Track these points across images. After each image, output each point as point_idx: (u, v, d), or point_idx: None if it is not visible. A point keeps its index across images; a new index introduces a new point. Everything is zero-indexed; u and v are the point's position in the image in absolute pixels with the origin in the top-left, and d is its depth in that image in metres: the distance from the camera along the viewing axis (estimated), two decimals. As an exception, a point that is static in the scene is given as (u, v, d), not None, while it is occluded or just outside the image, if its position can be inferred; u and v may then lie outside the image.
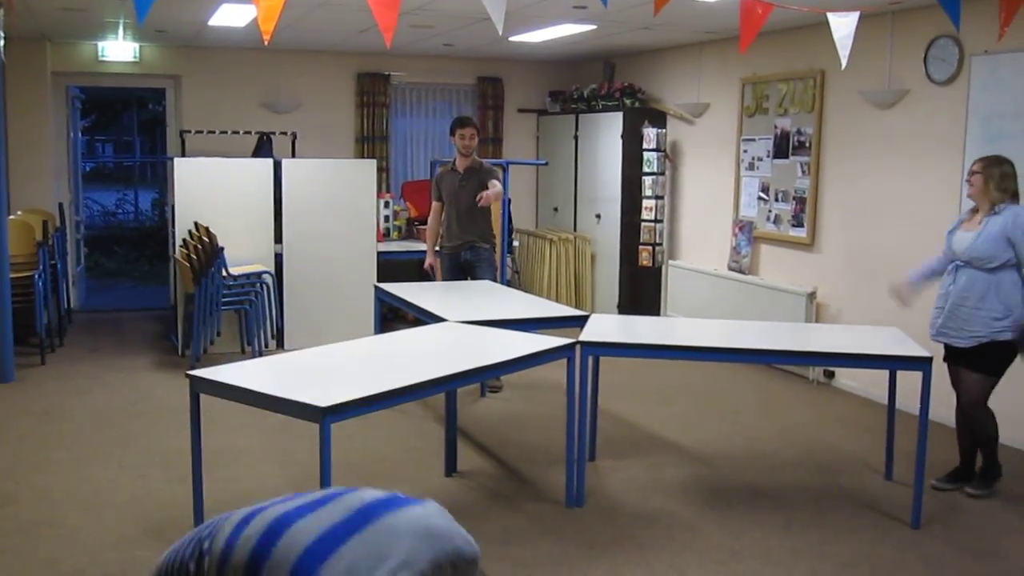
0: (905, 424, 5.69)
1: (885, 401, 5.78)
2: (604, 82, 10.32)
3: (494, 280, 7.21)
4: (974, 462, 5.40)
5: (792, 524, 4.88)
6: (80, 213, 11.24)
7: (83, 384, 7.37)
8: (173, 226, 8.70)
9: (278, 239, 8.69)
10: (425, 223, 10.07)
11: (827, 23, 4.95)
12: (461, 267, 7.44)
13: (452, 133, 7.42)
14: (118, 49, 9.86)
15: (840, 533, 4.78)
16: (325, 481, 3.69)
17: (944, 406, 6.37)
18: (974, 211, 5.26)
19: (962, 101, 6.46)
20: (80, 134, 12.65)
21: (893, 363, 5.20)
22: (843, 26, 4.92)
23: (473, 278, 7.34)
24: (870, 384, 7.21)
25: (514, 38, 8.94)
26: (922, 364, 4.80)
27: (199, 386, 4.11)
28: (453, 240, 7.43)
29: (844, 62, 4.86)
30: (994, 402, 5.54)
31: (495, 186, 7.11)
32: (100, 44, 9.80)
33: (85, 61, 9.88)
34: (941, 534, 4.80)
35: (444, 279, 7.55)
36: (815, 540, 4.69)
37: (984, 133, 6.31)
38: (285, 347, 8.46)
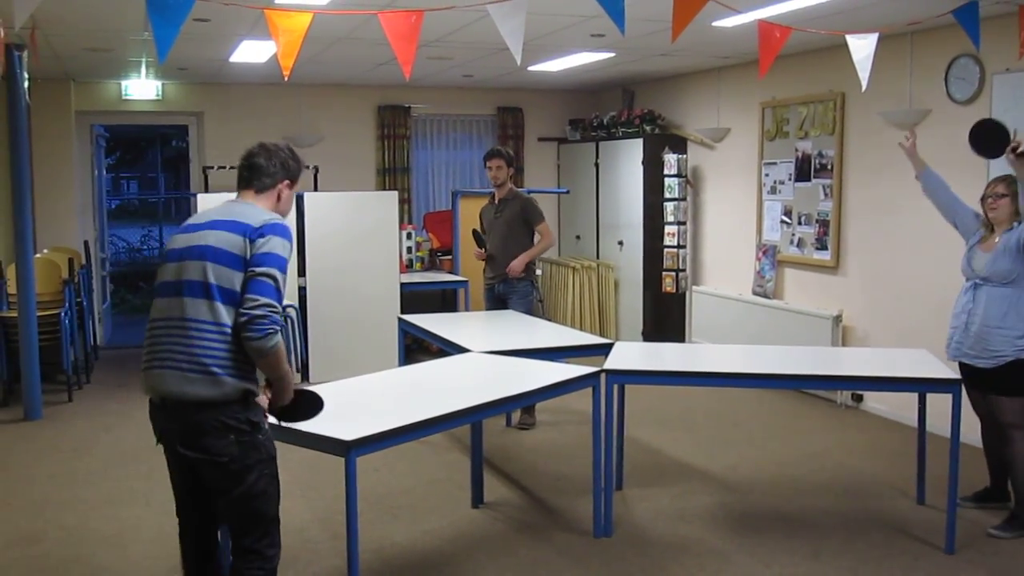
0: (936, 447, 5.62)
1: (915, 424, 5.71)
2: (623, 109, 10.33)
3: (527, 312, 7.19)
4: (1005, 481, 5.30)
5: (822, 551, 4.82)
6: (105, 250, 11.33)
7: (110, 421, 7.40)
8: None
9: (301, 272, 8.72)
10: (448, 254, 10.16)
11: (846, 45, 4.95)
12: (497, 298, 7.46)
13: (485, 166, 7.49)
14: (141, 87, 9.97)
15: (871, 559, 4.72)
16: (351, 515, 3.67)
17: (976, 429, 6.30)
18: (990, 230, 5.17)
19: (985, 120, 6.42)
20: (105, 172, 12.78)
21: (922, 386, 5.15)
22: (862, 48, 4.93)
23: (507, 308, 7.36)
24: (899, 407, 7.14)
25: (533, 67, 8.97)
26: (952, 386, 4.75)
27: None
28: (490, 271, 7.46)
29: (864, 84, 4.86)
30: None
31: (538, 238, 7.33)
32: (123, 83, 9.91)
33: (109, 100, 9.99)
34: (975, 559, 4.72)
35: (485, 308, 7.59)
36: (846, 567, 4.63)
37: (1008, 152, 6.25)
38: (310, 380, 8.47)
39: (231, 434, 3.33)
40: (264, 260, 3.31)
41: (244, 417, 3.36)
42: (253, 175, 3.62)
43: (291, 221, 8.54)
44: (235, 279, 3.32)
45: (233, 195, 3.67)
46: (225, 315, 3.30)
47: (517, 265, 7.23)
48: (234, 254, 3.33)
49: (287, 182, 3.66)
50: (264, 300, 3.26)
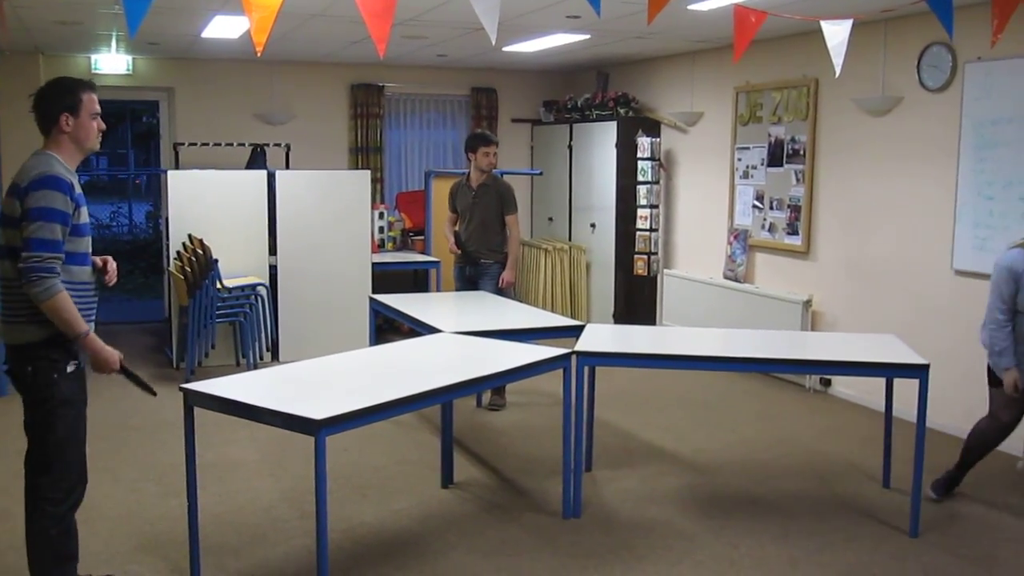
0: (902, 431, 5.67)
1: (882, 408, 5.77)
2: (598, 91, 10.32)
3: (498, 293, 7.20)
4: None
5: (790, 533, 4.86)
6: None
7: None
8: (167, 239, 8.69)
9: (272, 251, 8.67)
10: (420, 234, 10.13)
11: (820, 31, 4.95)
12: (468, 279, 7.46)
13: (472, 150, 7.35)
14: (111, 62, 9.85)
15: (838, 542, 4.76)
16: (320, 494, 3.66)
17: (940, 413, 6.37)
18: None
19: (956, 108, 6.47)
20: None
21: (890, 371, 5.19)
22: (836, 34, 4.92)
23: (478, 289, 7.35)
24: (867, 392, 7.21)
25: (507, 48, 8.94)
26: (919, 371, 4.79)
27: (193, 399, 4.08)
28: (464, 252, 7.44)
29: (838, 70, 4.86)
30: (977, 408, 5.51)
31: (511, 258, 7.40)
32: (93, 57, 9.79)
33: (78, 74, 9.80)
34: (939, 542, 4.78)
35: (455, 289, 7.58)
36: (813, 549, 4.68)
37: (978, 140, 6.31)
38: (280, 359, 8.44)
39: (28, 365, 3.71)
40: (30, 215, 3.57)
41: (42, 352, 3.68)
42: (38, 122, 3.80)
43: (260, 198, 8.60)
44: (16, 236, 3.62)
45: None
46: (9, 269, 3.67)
47: (510, 278, 7.34)
48: (14, 217, 3.63)
49: (65, 115, 3.75)
50: (31, 253, 3.54)
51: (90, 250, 3.86)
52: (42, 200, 3.58)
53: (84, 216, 3.76)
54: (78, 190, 3.75)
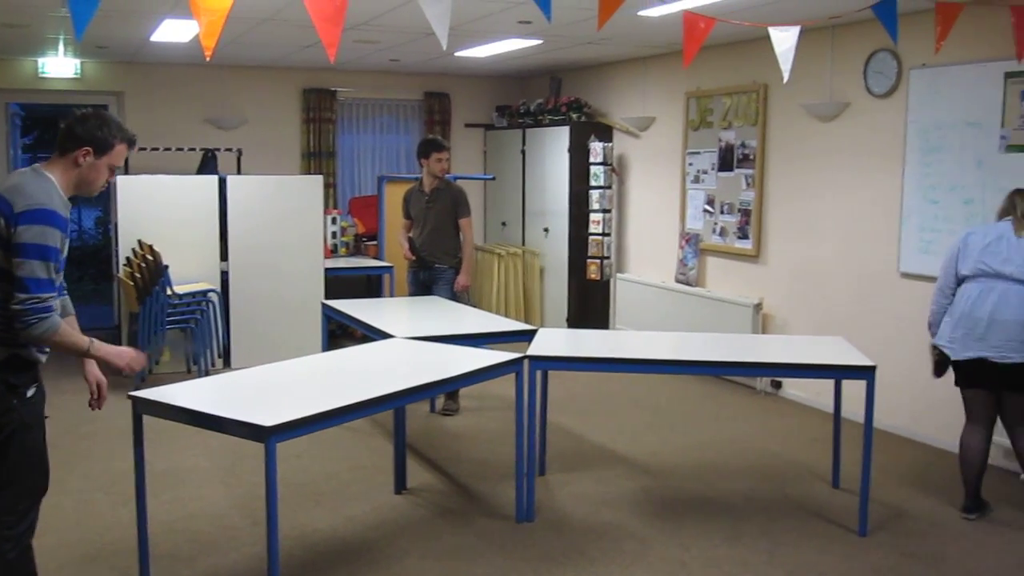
0: (851, 432, 5.74)
1: (831, 410, 5.83)
2: (551, 96, 10.36)
3: (452, 298, 7.20)
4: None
5: (741, 534, 4.90)
6: (21, 232, 11.03)
7: None
8: (117, 244, 8.58)
9: (224, 256, 8.61)
10: (373, 239, 10.10)
11: (769, 37, 5.01)
12: (422, 283, 7.45)
13: (424, 156, 7.33)
14: (59, 65, 9.73)
15: (788, 542, 4.81)
16: (271, 501, 3.64)
17: (888, 414, 6.46)
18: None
19: (901, 113, 6.57)
20: (21, 151, 12.44)
21: (838, 372, 5.25)
22: (784, 40, 4.99)
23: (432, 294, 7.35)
24: (816, 393, 7.29)
25: (460, 53, 8.95)
26: (866, 373, 4.85)
27: (142, 407, 4.04)
28: (417, 258, 7.43)
29: (786, 76, 4.92)
30: (936, 405, 5.62)
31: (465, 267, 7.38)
32: (40, 60, 9.66)
33: (25, 78, 9.73)
34: (888, 541, 4.84)
35: (408, 293, 7.57)
36: (764, 549, 4.72)
37: (923, 145, 6.41)
38: (232, 366, 8.37)
39: None
40: (23, 251, 3.38)
41: (3, 377, 3.47)
42: (61, 138, 3.65)
43: (211, 204, 8.51)
44: None
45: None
46: None
47: (464, 282, 7.34)
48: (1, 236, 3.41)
49: (87, 149, 3.62)
50: (31, 295, 3.37)
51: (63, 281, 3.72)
52: (39, 237, 3.40)
53: (66, 249, 3.61)
54: (68, 223, 3.60)
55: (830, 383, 5.84)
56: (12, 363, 3.49)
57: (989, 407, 5.11)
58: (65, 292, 3.90)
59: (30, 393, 3.56)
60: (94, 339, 3.61)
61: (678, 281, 8.75)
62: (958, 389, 5.20)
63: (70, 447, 6.25)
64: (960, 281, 5.11)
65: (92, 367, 3.89)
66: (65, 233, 3.53)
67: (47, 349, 3.61)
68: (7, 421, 3.50)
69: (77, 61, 9.80)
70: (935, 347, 5.21)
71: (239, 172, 9.88)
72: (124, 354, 3.70)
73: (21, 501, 3.58)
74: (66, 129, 3.63)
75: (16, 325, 3.39)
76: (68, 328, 3.52)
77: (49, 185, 3.53)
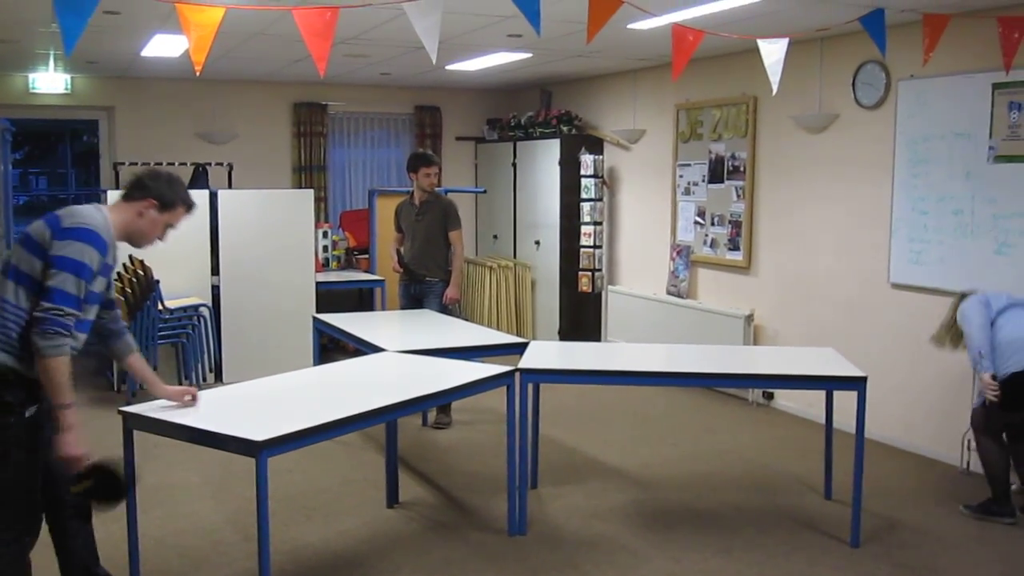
0: (843, 443, 5.74)
1: (823, 420, 5.84)
2: (541, 109, 10.38)
3: (443, 312, 7.20)
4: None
5: (733, 546, 4.90)
6: (11, 248, 11.02)
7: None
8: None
9: (215, 271, 8.59)
10: (364, 253, 10.10)
11: (758, 50, 5.04)
12: (413, 297, 7.46)
13: (413, 170, 7.36)
14: (49, 81, 9.72)
15: (780, 554, 4.81)
16: (262, 516, 3.63)
17: (879, 424, 6.47)
18: None
19: (890, 125, 6.60)
20: (11, 167, 12.43)
21: (829, 383, 5.27)
22: (773, 52, 5.01)
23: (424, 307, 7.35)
24: (808, 404, 7.30)
25: (450, 67, 8.96)
26: (857, 384, 4.86)
27: (132, 423, 4.03)
28: (407, 272, 7.44)
29: (775, 88, 4.95)
30: (928, 415, 5.63)
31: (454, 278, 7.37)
32: (31, 76, 9.66)
33: (15, 93, 9.72)
34: (880, 552, 4.84)
35: (400, 307, 7.57)
36: (755, 561, 4.72)
37: (911, 156, 6.44)
38: (223, 380, 8.35)
39: None
40: (58, 263, 3.43)
41: (1, 391, 3.43)
42: (129, 186, 3.79)
43: (202, 218, 8.49)
44: (35, 265, 3.46)
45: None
46: (21, 297, 3.46)
47: (454, 294, 7.33)
48: (35, 241, 3.49)
49: (152, 202, 3.75)
50: (54, 305, 3.38)
51: (93, 318, 3.71)
52: (77, 253, 3.45)
53: (99, 285, 3.63)
54: (111, 260, 3.66)
55: (822, 394, 5.85)
56: (6, 378, 3.44)
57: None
58: (126, 331, 4.01)
59: (28, 413, 3.49)
60: (73, 407, 3.46)
61: (669, 293, 8.76)
62: (952, 400, 5.21)
63: (61, 463, 6.22)
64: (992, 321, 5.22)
65: (166, 391, 4.03)
66: (104, 259, 3.57)
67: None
68: (3, 439, 3.44)
69: (68, 76, 9.79)
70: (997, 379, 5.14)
71: (230, 186, 9.88)
72: (75, 451, 3.48)
73: (14, 525, 3.53)
74: (136, 180, 3.78)
75: (32, 331, 3.38)
76: (67, 370, 3.43)
77: (102, 217, 3.62)
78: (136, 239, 3.80)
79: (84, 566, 3.95)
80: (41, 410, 3.53)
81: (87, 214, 3.56)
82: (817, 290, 7.31)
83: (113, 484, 3.66)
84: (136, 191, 3.74)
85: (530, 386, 5.24)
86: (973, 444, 5.54)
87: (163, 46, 7.56)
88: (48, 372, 3.38)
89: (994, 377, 5.08)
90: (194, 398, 4.09)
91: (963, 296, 5.43)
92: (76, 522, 3.88)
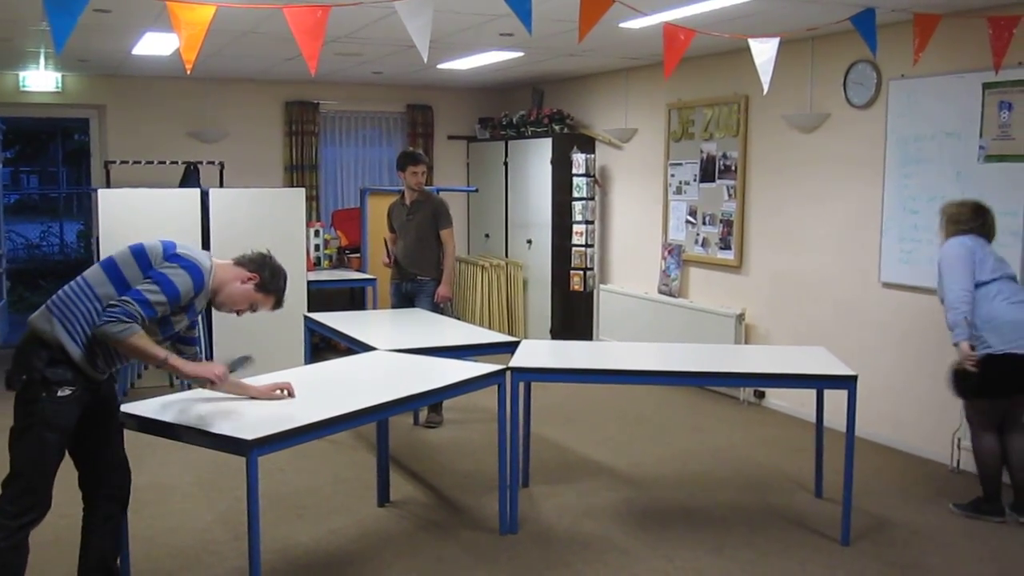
0: (834, 441, 5.75)
1: (814, 419, 5.85)
2: (533, 108, 10.38)
3: (435, 311, 7.20)
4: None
5: (725, 545, 4.91)
6: (2, 246, 11.01)
7: (6, 423, 7.17)
8: (98, 258, 8.53)
9: (206, 270, 8.56)
10: (356, 252, 10.09)
11: (749, 49, 5.04)
12: (404, 296, 7.46)
13: (401, 169, 7.38)
14: (40, 79, 9.69)
15: (771, 552, 4.82)
16: (252, 515, 3.62)
17: (870, 423, 6.48)
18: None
19: (881, 124, 6.61)
20: (2, 165, 12.41)
21: (820, 382, 5.28)
22: (764, 52, 5.02)
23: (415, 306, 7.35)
24: (799, 403, 7.31)
25: (442, 65, 8.96)
26: (848, 382, 4.86)
27: (123, 421, 4.02)
28: (399, 271, 7.44)
29: (766, 87, 4.96)
30: (918, 413, 5.63)
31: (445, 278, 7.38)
32: (21, 74, 9.63)
33: (6, 91, 9.69)
34: (870, 551, 4.86)
35: (391, 306, 7.56)
36: (747, 560, 4.72)
37: (902, 155, 6.45)
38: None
39: (23, 373, 3.64)
40: (155, 276, 3.71)
41: (41, 366, 3.61)
42: (247, 257, 4.06)
43: (194, 217, 8.47)
44: (138, 275, 3.72)
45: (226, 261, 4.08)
46: (110, 296, 3.67)
47: (445, 293, 7.33)
48: (148, 257, 3.78)
49: (256, 278, 4.01)
50: (127, 298, 3.61)
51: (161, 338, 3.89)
52: (175, 276, 3.72)
53: (179, 321, 3.87)
54: (199, 304, 3.90)
55: (813, 393, 5.86)
56: (55, 356, 3.61)
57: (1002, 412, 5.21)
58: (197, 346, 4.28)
59: (62, 393, 3.63)
60: (170, 358, 3.77)
61: (661, 292, 8.77)
62: (942, 399, 5.20)
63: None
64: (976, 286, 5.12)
65: (255, 392, 4.25)
66: (195, 297, 3.79)
67: (103, 367, 3.76)
68: (31, 410, 3.63)
69: (58, 75, 9.77)
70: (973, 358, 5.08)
71: (221, 185, 9.86)
72: (210, 376, 3.98)
73: (24, 499, 3.67)
74: (257, 254, 4.06)
75: (101, 318, 3.58)
76: (146, 338, 3.64)
77: (210, 264, 3.89)
78: (223, 299, 3.99)
79: (102, 555, 4.05)
80: (75, 397, 3.67)
81: (199, 254, 3.88)
82: (808, 289, 7.33)
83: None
84: (250, 262, 4.01)
85: (521, 385, 5.24)
86: (963, 442, 5.55)
87: (154, 44, 7.54)
88: (131, 350, 3.63)
89: (973, 348, 5.06)
90: (290, 392, 4.30)
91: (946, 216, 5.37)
92: (112, 505, 4.06)
